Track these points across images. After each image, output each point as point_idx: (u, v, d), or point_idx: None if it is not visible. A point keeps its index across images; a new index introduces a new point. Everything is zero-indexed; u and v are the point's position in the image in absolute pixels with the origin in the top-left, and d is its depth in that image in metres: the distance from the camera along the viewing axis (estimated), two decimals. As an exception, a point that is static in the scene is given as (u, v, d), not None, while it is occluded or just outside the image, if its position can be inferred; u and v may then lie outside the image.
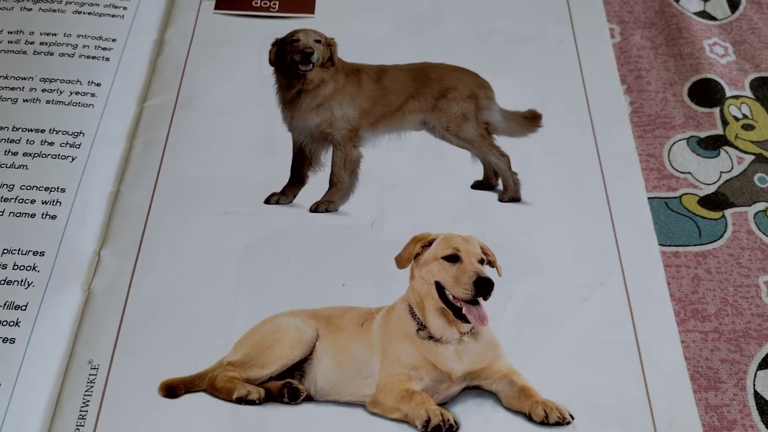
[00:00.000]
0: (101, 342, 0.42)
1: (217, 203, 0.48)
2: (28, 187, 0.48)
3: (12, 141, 0.50)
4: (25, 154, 0.49)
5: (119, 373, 0.41)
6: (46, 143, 0.50)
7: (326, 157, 0.51)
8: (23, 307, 0.43)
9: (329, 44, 0.55)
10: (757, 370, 0.43)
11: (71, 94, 0.52)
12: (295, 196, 0.49)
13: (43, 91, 0.52)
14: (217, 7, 0.59)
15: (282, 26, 0.57)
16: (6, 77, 0.53)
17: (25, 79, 0.53)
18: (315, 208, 0.49)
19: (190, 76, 0.54)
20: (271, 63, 0.55)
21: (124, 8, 0.58)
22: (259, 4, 0.59)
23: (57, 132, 0.50)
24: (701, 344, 0.44)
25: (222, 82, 0.54)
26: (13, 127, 0.50)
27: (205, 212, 0.48)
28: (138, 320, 0.43)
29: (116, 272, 0.45)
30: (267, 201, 0.49)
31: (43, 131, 0.50)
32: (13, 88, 0.52)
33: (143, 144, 0.51)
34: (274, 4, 0.59)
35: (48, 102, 0.52)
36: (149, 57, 0.56)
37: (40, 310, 0.43)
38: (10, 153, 0.49)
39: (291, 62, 0.54)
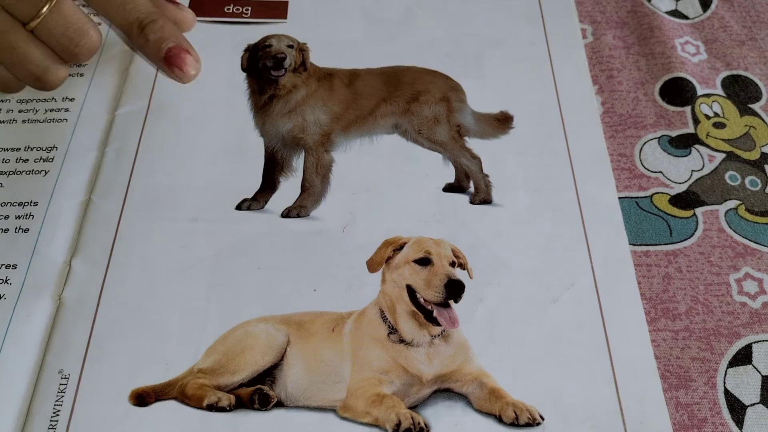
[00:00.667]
0: (72, 351, 0.42)
1: (188, 210, 0.48)
2: (3, 204, 0.48)
3: None
4: (1, 173, 0.50)
5: (90, 382, 0.41)
6: (21, 160, 0.50)
7: (298, 162, 0.51)
8: (-7, 319, 0.43)
9: (302, 49, 0.55)
10: (727, 368, 0.43)
11: (46, 111, 0.53)
12: (266, 202, 0.49)
13: (20, 111, 0.53)
14: (189, 14, 0.59)
15: (254, 32, 0.57)
16: None
17: (2, 101, 0.54)
18: (287, 214, 0.49)
19: (162, 83, 0.54)
20: (243, 69, 0.55)
21: (98, 23, 0.58)
22: (231, 10, 0.59)
23: (31, 149, 0.51)
24: (672, 343, 0.44)
25: (194, 88, 0.54)
26: None
27: (176, 219, 0.48)
28: (108, 329, 0.43)
29: (87, 281, 0.45)
30: (238, 207, 0.49)
31: (18, 149, 0.51)
32: None
33: (114, 152, 0.51)
34: (247, 9, 0.59)
35: (24, 122, 0.53)
36: (121, 66, 0.56)
37: (11, 322, 0.43)
38: (-14, 173, 0.50)
39: (263, 68, 0.54)
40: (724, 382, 0.43)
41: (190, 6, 0.59)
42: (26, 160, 0.50)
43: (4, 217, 0.48)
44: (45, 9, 0.47)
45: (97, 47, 0.50)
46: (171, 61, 0.50)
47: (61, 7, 0.48)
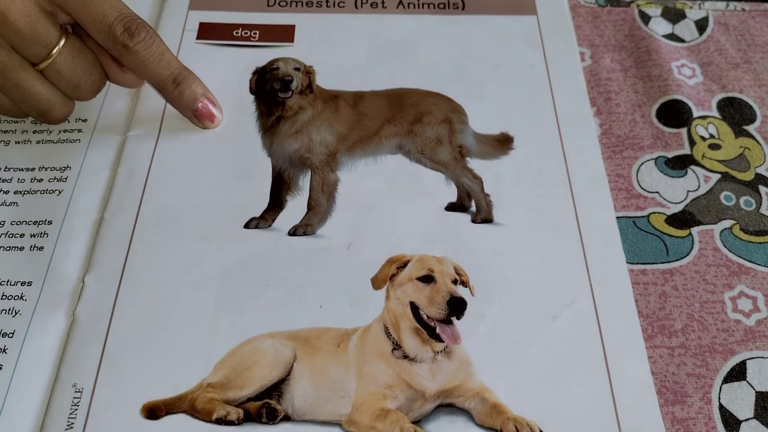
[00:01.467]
0: (85, 366, 0.43)
1: (198, 228, 0.49)
2: (18, 222, 0.50)
3: (4, 180, 0.52)
4: (15, 192, 0.51)
5: (102, 395, 0.42)
6: (35, 180, 0.52)
7: (304, 181, 0.53)
8: (10, 335, 0.44)
9: (308, 72, 0.57)
10: (722, 384, 0.45)
11: (60, 132, 0.55)
12: (274, 220, 0.51)
13: (34, 132, 0.55)
14: (198, 37, 0.61)
15: (262, 55, 0.59)
16: (0, 121, 0.55)
17: (17, 122, 0.55)
18: (293, 232, 0.50)
19: (173, 107, 0.56)
20: (252, 91, 0.57)
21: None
22: (240, 34, 0.61)
23: (45, 169, 0.52)
24: (668, 359, 0.45)
25: (204, 110, 0.56)
26: (5, 168, 0.52)
27: (187, 237, 0.49)
28: (121, 344, 0.44)
29: (100, 297, 0.46)
30: (246, 225, 0.50)
31: (32, 169, 0.52)
32: (5, 131, 0.55)
33: (126, 172, 0.52)
34: (255, 33, 0.61)
35: (38, 142, 0.54)
36: (133, 89, 0.57)
37: (26, 337, 0.44)
38: (1, 192, 0.51)
39: (271, 90, 0.55)
40: (719, 398, 0.44)
41: (200, 29, 0.61)
42: (41, 180, 0.52)
43: (20, 235, 0.49)
44: (55, 51, 0.48)
45: (102, 87, 0.52)
46: (201, 116, 0.53)
47: (70, 48, 0.49)
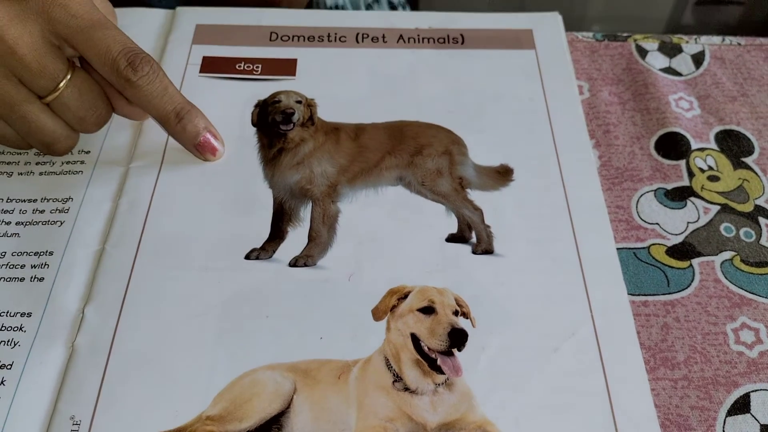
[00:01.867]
0: (83, 398, 0.43)
1: (199, 259, 0.49)
2: (19, 254, 0.49)
3: (6, 212, 0.52)
4: (17, 223, 0.51)
5: (101, 428, 0.42)
6: (37, 211, 0.52)
7: (305, 212, 0.53)
8: (8, 366, 0.44)
9: (309, 104, 0.57)
10: (726, 417, 0.44)
11: (62, 164, 0.55)
12: (274, 251, 0.51)
13: (36, 164, 0.55)
14: (202, 71, 0.61)
15: (264, 88, 0.59)
16: (3, 152, 0.56)
17: (20, 153, 0.56)
18: (294, 263, 0.50)
19: (175, 138, 0.56)
20: (254, 124, 0.57)
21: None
22: (242, 68, 0.62)
23: (48, 200, 0.53)
24: (671, 392, 0.45)
25: (206, 142, 0.56)
26: (8, 199, 0.53)
27: (187, 268, 0.49)
28: (119, 375, 0.44)
29: (99, 329, 0.46)
30: (247, 256, 0.50)
31: (35, 201, 0.53)
32: (9, 163, 0.55)
33: (128, 203, 0.52)
34: (257, 67, 0.62)
35: (41, 174, 0.54)
36: (136, 121, 0.58)
37: (24, 369, 0.44)
38: (3, 223, 0.51)
39: (272, 122, 0.56)
40: (723, 431, 0.44)
41: (203, 63, 0.62)
42: (42, 211, 0.52)
43: (20, 266, 0.49)
44: (62, 84, 0.49)
45: (108, 120, 0.53)
46: (203, 149, 0.54)
47: (77, 82, 0.50)
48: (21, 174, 0.54)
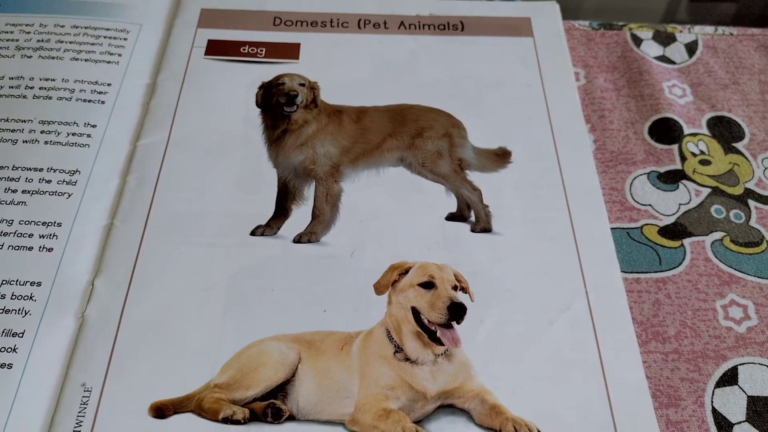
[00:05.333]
0: (94, 366, 0.44)
1: (206, 235, 0.51)
2: (27, 222, 0.50)
3: (12, 179, 0.52)
4: (23, 192, 0.52)
5: (111, 395, 0.43)
6: (44, 181, 0.53)
7: (309, 191, 0.55)
8: (20, 335, 0.45)
9: (312, 87, 0.58)
10: (714, 388, 0.46)
11: (68, 135, 0.56)
12: (279, 228, 0.52)
13: (42, 132, 0.55)
14: (207, 53, 0.62)
15: (268, 71, 0.61)
16: (7, 120, 0.56)
17: (24, 121, 0.56)
18: (298, 239, 0.52)
19: (181, 117, 0.58)
20: (258, 105, 0.58)
21: (119, 55, 0.61)
22: (247, 51, 0.63)
23: (54, 171, 0.53)
24: (662, 364, 0.47)
25: (211, 122, 0.58)
26: (13, 167, 0.53)
27: (194, 244, 0.50)
28: (129, 345, 0.45)
29: (109, 300, 0.47)
30: (253, 233, 0.51)
31: (41, 170, 0.53)
32: (13, 130, 0.55)
33: (136, 180, 0.54)
34: (261, 50, 0.63)
35: (46, 143, 0.55)
36: (142, 99, 0.59)
37: (36, 337, 0.45)
38: (9, 191, 0.52)
39: (276, 104, 0.57)
40: (712, 402, 0.45)
41: (209, 46, 0.63)
42: (49, 181, 0.53)
43: (28, 235, 0.50)
44: None
45: None
46: None
47: None
48: (26, 142, 0.55)
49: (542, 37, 0.65)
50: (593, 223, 0.53)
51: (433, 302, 0.45)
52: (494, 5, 0.69)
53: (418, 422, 0.43)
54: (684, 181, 0.57)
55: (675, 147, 0.59)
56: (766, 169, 0.58)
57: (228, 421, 0.43)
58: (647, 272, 0.51)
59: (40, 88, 0.58)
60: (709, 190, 0.56)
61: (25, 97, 0.58)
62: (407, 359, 0.45)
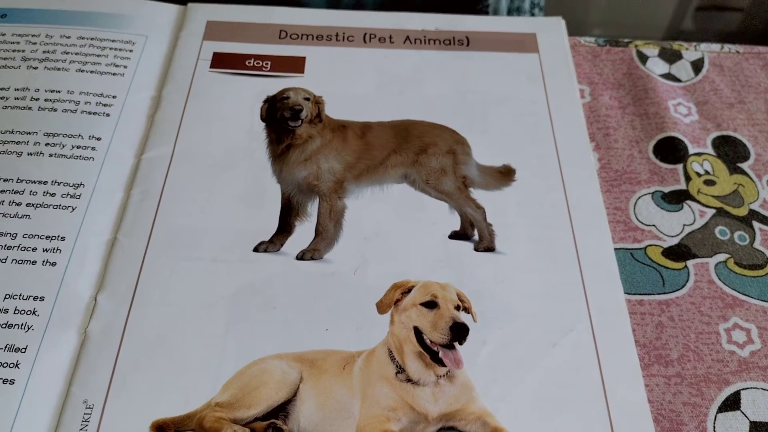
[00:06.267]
0: (96, 382, 0.44)
1: (209, 251, 0.51)
2: (30, 236, 0.50)
3: (16, 192, 0.53)
4: (28, 205, 0.52)
5: (113, 412, 0.43)
6: (48, 194, 0.53)
7: (312, 207, 0.55)
8: (23, 350, 0.45)
9: (317, 102, 0.58)
10: (717, 413, 0.46)
11: (73, 147, 0.56)
12: (282, 245, 0.52)
13: (47, 145, 0.55)
14: (212, 66, 0.63)
15: (273, 84, 0.61)
16: (12, 132, 0.56)
17: (29, 133, 0.56)
18: (301, 256, 0.52)
19: (186, 131, 0.58)
20: (263, 119, 0.58)
21: (125, 66, 0.62)
22: (252, 64, 0.63)
23: (59, 183, 0.53)
24: (664, 388, 0.47)
25: (216, 136, 0.58)
26: (18, 179, 0.53)
27: (197, 259, 0.50)
28: (131, 362, 0.45)
29: (112, 316, 0.47)
30: (256, 249, 0.51)
31: (45, 183, 0.53)
32: (18, 142, 0.55)
33: (140, 194, 0.54)
34: (267, 63, 0.63)
35: (51, 155, 0.55)
36: (147, 112, 0.59)
37: (38, 353, 0.45)
38: (14, 203, 0.52)
39: (281, 118, 0.57)
40: (714, 427, 0.45)
41: (214, 59, 0.63)
42: (53, 194, 0.53)
43: (32, 249, 0.50)
44: None
45: None
46: None
47: None
48: (31, 154, 0.55)
49: (548, 53, 0.65)
50: (597, 243, 0.53)
51: (435, 322, 0.45)
52: (500, 20, 0.69)
53: (419, 444, 0.43)
54: (688, 202, 0.57)
55: (680, 167, 0.59)
56: (770, 189, 0.58)
57: (229, 440, 0.43)
58: (651, 294, 0.51)
59: (45, 100, 0.58)
60: (714, 211, 0.56)
61: (30, 108, 0.58)
62: (409, 380, 0.45)
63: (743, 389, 0.47)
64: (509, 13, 0.74)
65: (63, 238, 0.51)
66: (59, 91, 0.59)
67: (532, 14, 0.76)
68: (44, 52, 0.61)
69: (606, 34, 0.70)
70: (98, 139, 0.57)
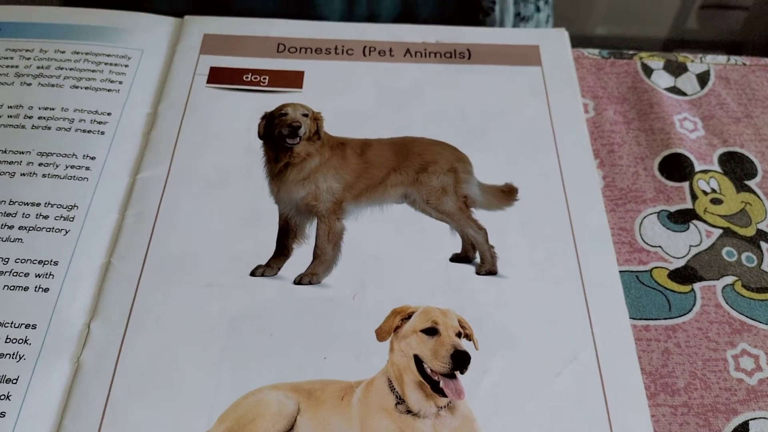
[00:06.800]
0: (88, 415, 0.43)
1: (204, 275, 0.50)
2: (23, 261, 0.49)
3: (8, 215, 0.51)
4: (20, 228, 0.51)
5: (105, 446, 0.42)
6: (41, 217, 0.52)
7: (310, 229, 0.53)
8: (14, 381, 0.44)
9: (316, 118, 0.57)
10: (724, 444, 0.45)
11: (67, 167, 0.54)
12: (279, 269, 0.51)
13: (40, 165, 0.54)
14: (209, 81, 0.61)
15: (271, 100, 0.60)
16: (5, 151, 0.55)
17: (23, 153, 0.55)
18: (299, 281, 0.51)
19: (182, 149, 0.57)
20: (260, 136, 0.57)
21: (120, 82, 0.60)
22: (250, 79, 0.62)
23: (52, 205, 0.52)
24: (671, 418, 0.46)
25: (212, 154, 0.57)
26: (10, 201, 0.52)
27: (193, 284, 0.49)
28: (125, 393, 0.44)
29: (105, 344, 0.46)
30: (252, 273, 0.50)
31: (38, 205, 0.52)
32: (11, 162, 0.54)
33: (135, 216, 0.53)
34: (264, 78, 0.62)
35: (44, 176, 0.54)
36: (143, 130, 0.58)
37: (30, 384, 0.44)
38: (6, 227, 0.51)
39: (279, 135, 0.56)
40: (722, 459, 0.44)
41: (211, 74, 0.62)
42: (47, 217, 0.52)
43: (24, 274, 0.49)
44: None
45: None
46: None
47: None
48: (24, 175, 0.54)
49: (551, 66, 0.64)
50: (601, 265, 0.52)
51: (436, 350, 0.44)
52: (502, 32, 0.67)
53: (419, 479, 0.42)
54: (695, 221, 0.55)
55: (686, 185, 0.57)
56: (779, 208, 0.56)
57: (224, 475, 0.42)
58: (657, 319, 0.50)
59: (39, 118, 0.57)
60: (721, 231, 0.55)
61: (23, 127, 0.57)
62: (409, 411, 0.44)
63: (752, 419, 0.46)
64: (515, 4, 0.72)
65: (56, 263, 0.50)
66: (53, 108, 0.58)
67: (537, 8, 0.74)
68: (38, 67, 0.60)
69: (608, 36, 0.69)
70: (92, 158, 0.56)
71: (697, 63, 0.66)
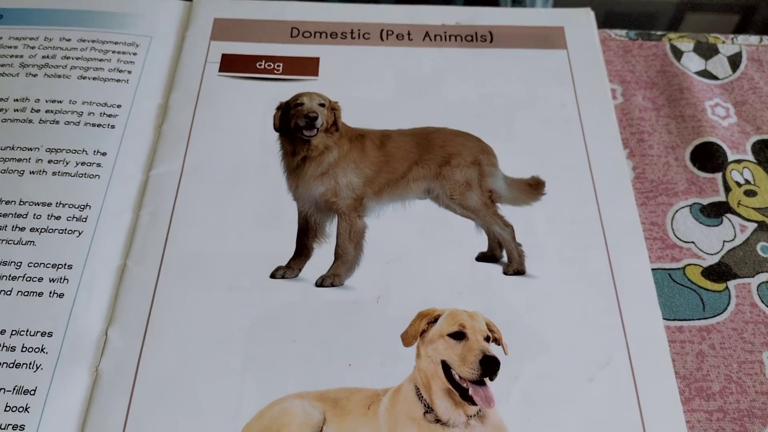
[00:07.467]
0: (109, 427, 0.42)
1: (224, 278, 0.48)
2: (36, 264, 0.48)
3: (19, 216, 0.50)
4: (32, 230, 0.49)
5: (128, 460, 0.41)
6: (53, 217, 0.50)
7: (331, 228, 0.52)
8: (32, 392, 0.43)
9: (333, 108, 0.55)
10: (761, 450, 0.44)
11: (77, 164, 0.52)
12: (300, 270, 0.49)
13: (49, 162, 0.52)
14: (221, 70, 0.59)
15: (286, 89, 0.57)
16: (13, 148, 0.53)
17: (31, 149, 0.53)
18: (321, 283, 0.49)
19: (196, 143, 0.55)
20: (276, 128, 0.55)
21: (129, 72, 0.58)
22: (263, 66, 0.60)
23: (63, 205, 0.50)
24: (706, 424, 0.44)
25: (227, 147, 0.55)
26: (20, 201, 0.50)
27: (212, 288, 0.48)
28: (146, 403, 0.43)
29: (124, 352, 0.45)
30: (273, 275, 0.49)
31: (49, 205, 0.50)
32: (19, 160, 0.52)
33: (149, 215, 0.51)
34: (278, 66, 0.60)
35: (54, 173, 0.52)
36: (154, 123, 0.56)
37: (48, 395, 0.43)
38: (17, 228, 0.49)
39: (295, 127, 0.54)
40: (759, 467, 0.43)
41: (223, 61, 0.59)
42: (58, 218, 0.50)
43: (38, 279, 0.47)
44: None
45: None
46: None
47: None
48: (33, 173, 0.52)
49: (577, 49, 0.62)
50: (634, 264, 0.50)
51: (464, 355, 0.43)
52: (525, 12, 0.65)
53: (449, 491, 0.41)
54: (728, 215, 0.53)
55: (718, 176, 0.55)
56: (815, 200, 0.54)
57: (250, 488, 0.41)
58: (690, 320, 0.48)
59: (46, 111, 0.55)
60: (755, 225, 0.53)
61: (30, 121, 0.54)
62: (438, 420, 0.43)
63: (789, 425, 0.44)
64: None
65: (70, 266, 0.48)
66: (60, 101, 0.56)
67: None
68: (43, 57, 0.58)
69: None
70: (104, 154, 0.53)
71: (728, 44, 0.64)
